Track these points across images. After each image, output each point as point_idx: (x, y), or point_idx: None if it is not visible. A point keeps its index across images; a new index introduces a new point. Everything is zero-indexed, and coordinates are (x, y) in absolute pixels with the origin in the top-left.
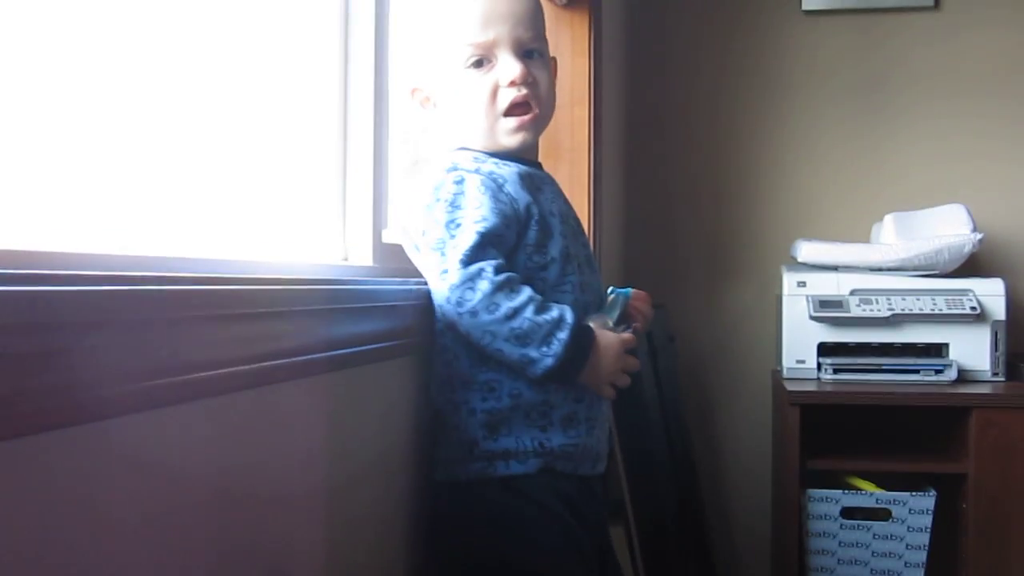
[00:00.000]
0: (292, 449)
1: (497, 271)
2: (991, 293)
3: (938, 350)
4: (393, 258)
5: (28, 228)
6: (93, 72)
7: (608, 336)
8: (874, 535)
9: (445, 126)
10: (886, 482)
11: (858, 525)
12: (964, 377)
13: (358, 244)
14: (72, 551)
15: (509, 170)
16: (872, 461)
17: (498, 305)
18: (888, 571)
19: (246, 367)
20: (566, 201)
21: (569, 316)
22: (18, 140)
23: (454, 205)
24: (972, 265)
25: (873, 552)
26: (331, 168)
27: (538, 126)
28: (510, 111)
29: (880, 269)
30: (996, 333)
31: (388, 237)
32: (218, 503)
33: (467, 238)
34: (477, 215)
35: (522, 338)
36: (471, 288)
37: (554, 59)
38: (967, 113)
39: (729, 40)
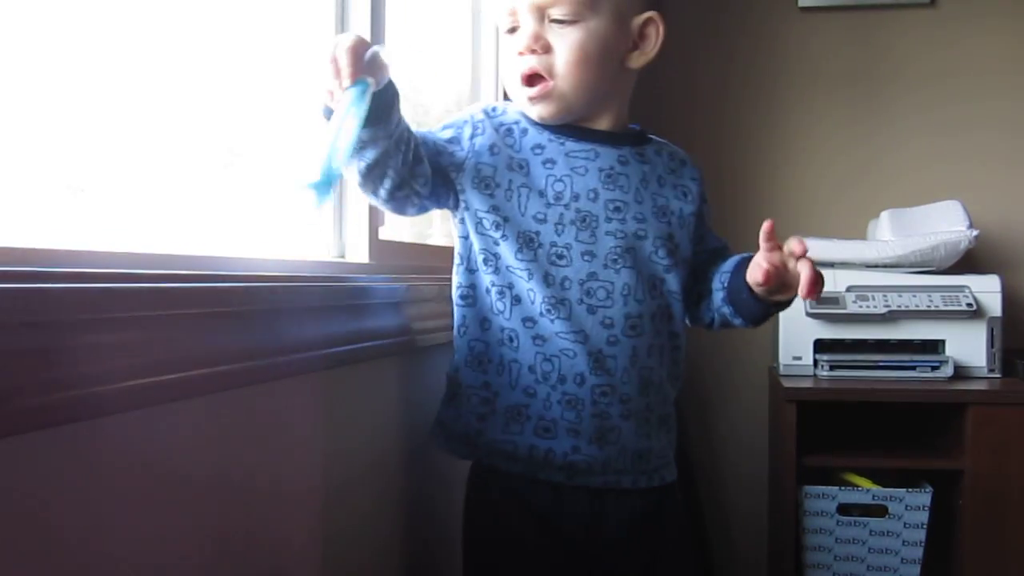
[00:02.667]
0: (289, 446)
1: None
2: (987, 289)
3: (934, 346)
4: (389, 255)
5: (26, 226)
6: (91, 71)
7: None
8: (871, 531)
9: None
10: (882, 479)
11: (854, 522)
12: (960, 373)
13: (354, 241)
14: (69, 548)
15: (531, 131)
16: (868, 458)
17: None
18: (885, 567)
19: (243, 364)
20: (630, 190)
21: None
22: (17, 139)
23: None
24: (968, 261)
25: (870, 548)
26: None
27: (556, 101)
28: (525, 81)
29: (876, 266)
30: (992, 329)
31: (384, 234)
32: (215, 500)
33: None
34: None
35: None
36: None
37: (650, 17)
38: (963, 110)
39: (725, 36)
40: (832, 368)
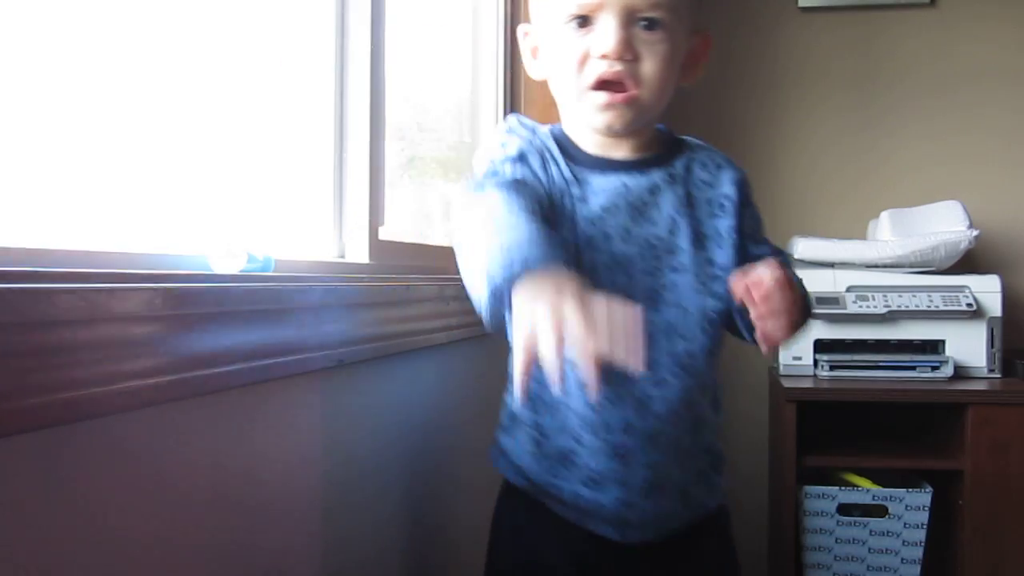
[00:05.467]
0: (289, 446)
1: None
2: (987, 289)
3: (934, 347)
4: (390, 255)
5: (26, 226)
6: (91, 70)
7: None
8: (871, 532)
9: (550, 85)
10: (882, 479)
11: (855, 522)
12: (960, 373)
13: (354, 241)
14: (69, 548)
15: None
16: (868, 458)
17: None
18: (885, 567)
19: (243, 364)
20: (663, 222)
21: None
22: (15, 138)
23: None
24: (968, 262)
25: (870, 549)
26: (327, 165)
27: (634, 111)
28: (599, 86)
29: (876, 266)
30: (992, 329)
31: (384, 234)
32: (215, 500)
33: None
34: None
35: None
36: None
37: (704, 34)
38: (963, 110)
39: (725, 36)
40: (832, 368)
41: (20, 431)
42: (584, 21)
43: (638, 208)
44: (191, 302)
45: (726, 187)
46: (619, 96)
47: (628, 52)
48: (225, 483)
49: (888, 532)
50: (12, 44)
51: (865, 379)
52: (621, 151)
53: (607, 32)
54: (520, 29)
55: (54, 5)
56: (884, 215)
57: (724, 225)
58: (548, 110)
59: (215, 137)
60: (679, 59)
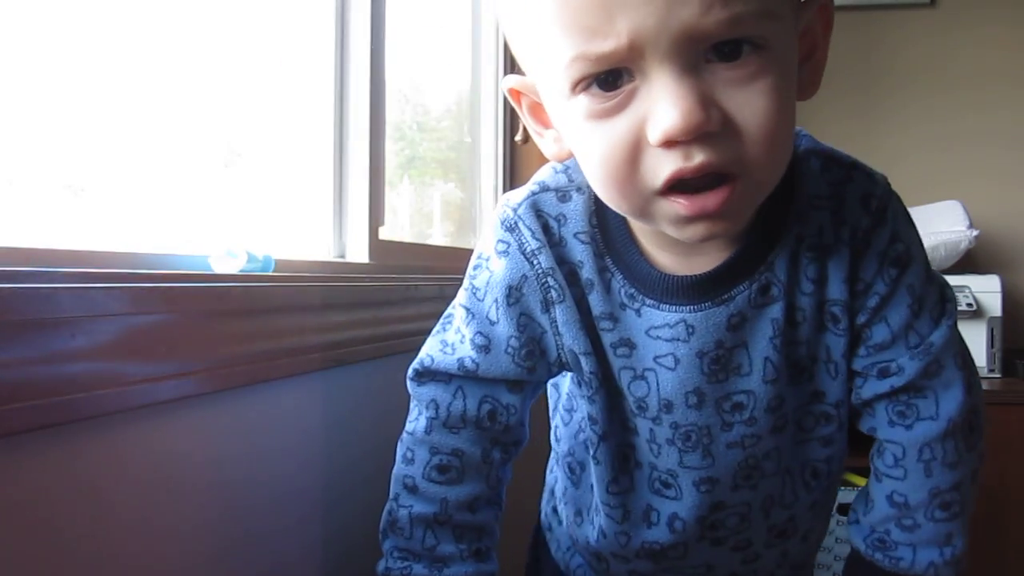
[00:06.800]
0: (289, 446)
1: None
2: (987, 290)
3: None
4: (390, 255)
5: (26, 226)
6: (91, 70)
7: None
8: None
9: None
10: None
11: None
12: None
13: (354, 241)
14: (69, 548)
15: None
16: (869, 458)
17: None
18: None
19: (243, 364)
20: (753, 367)
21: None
22: (17, 139)
23: None
24: (968, 262)
25: None
26: (327, 165)
27: (741, 207)
28: (673, 189)
29: None
30: (992, 330)
31: (384, 234)
32: (215, 499)
33: None
34: None
35: None
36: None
37: (820, 4)
38: (963, 110)
39: None
40: None
41: (20, 431)
42: (611, 77)
43: (713, 358)
44: (191, 302)
45: (867, 255)
46: (713, 202)
47: (710, 120)
48: (225, 483)
49: None
50: (13, 44)
51: None
52: (700, 254)
53: (662, 94)
54: (505, 83)
55: (55, 5)
56: None
57: (836, 345)
58: None
59: (215, 137)
60: (794, 76)
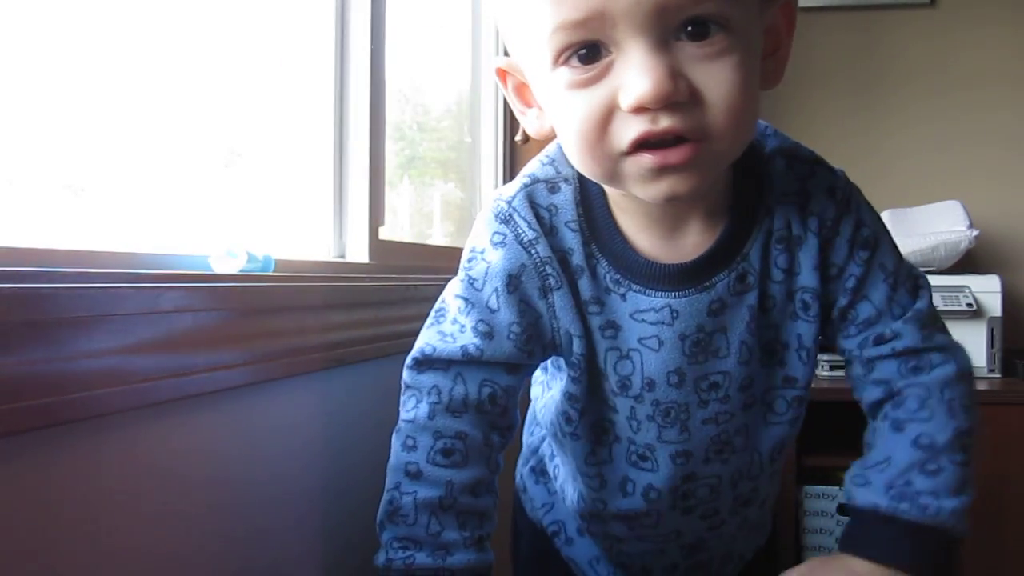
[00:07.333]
0: (289, 446)
1: None
2: (987, 290)
3: None
4: (389, 255)
5: (26, 226)
6: (91, 70)
7: None
8: None
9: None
10: None
11: None
12: None
13: (354, 241)
14: (69, 547)
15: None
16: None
17: None
18: None
19: (243, 364)
20: (730, 350)
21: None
22: (17, 139)
23: None
24: (968, 262)
25: None
26: (327, 165)
27: (703, 170)
28: (638, 147)
29: None
30: (992, 330)
31: (384, 234)
32: (215, 500)
33: None
34: None
35: None
36: None
37: (788, 6)
38: (963, 110)
39: None
40: (832, 368)
41: (20, 431)
42: (590, 52)
43: (695, 340)
44: (191, 302)
45: (824, 234)
46: (675, 155)
47: (677, 90)
48: (225, 483)
49: None
50: (13, 44)
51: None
52: (679, 240)
53: (634, 66)
54: (493, 63)
55: (56, 5)
56: (884, 215)
57: (807, 332)
58: None
59: (215, 137)
60: (757, 61)
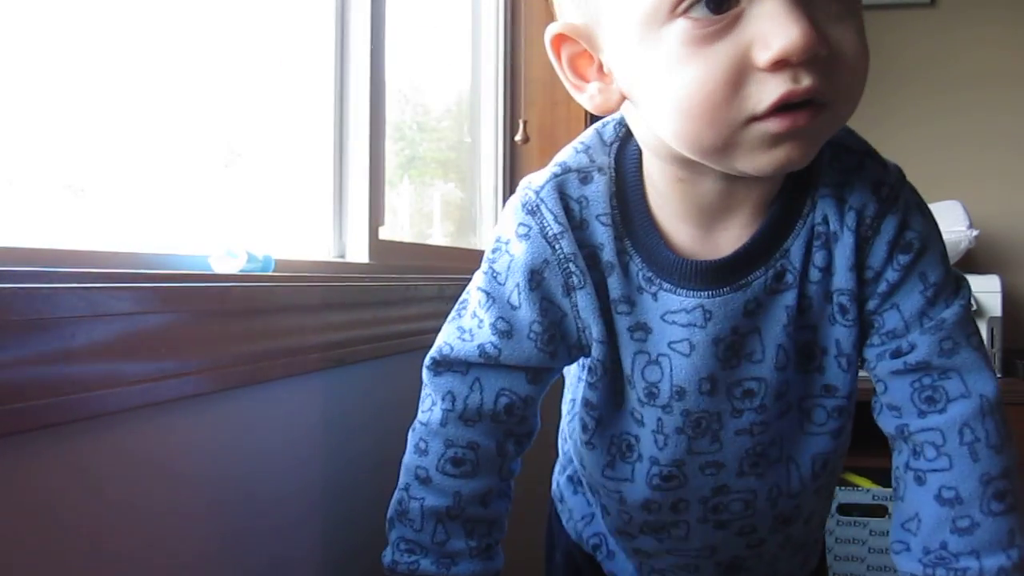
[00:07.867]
0: (289, 446)
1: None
2: (987, 290)
3: None
4: (389, 255)
5: (26, 226)
6: (91, 70)
7: None
8: (871, 531)
9: (641, 121)
10: (882, 479)
11: (855, 522)
12: None
13: (354, 241)
14: (69, 547)
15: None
16: (868, 458)
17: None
18: (885, 567)
19: (243, 364)
20: (765, 353)
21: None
22: (17, 139)
23: None
24: (968, 262)
25: (870, 548)
26: (327, 165)
27: (822, 135)
28: (778, 110)
29: None
30: (992, 330)
31: (384, 234)
32: (215, 500)
33: None
34: None
35: None
36: None
37: None
38: (963, 110)
39: None
40: None
41: (21, 431)
42: (715, 3)
43: (728, 344)
44: (191, 302)
45: (869, 238)
46: (803, 118)
47: (825, 43)
48: (225, 482)
49: (888, 532)
50: (13, 44)
51: (866, 379)
52: (719, 234)
53: (775, 15)
54: (550, 31)
55: (56, 5)
56: None
57: (845, 337)
58: (553, 110)
59: (215, 137)
60: None
